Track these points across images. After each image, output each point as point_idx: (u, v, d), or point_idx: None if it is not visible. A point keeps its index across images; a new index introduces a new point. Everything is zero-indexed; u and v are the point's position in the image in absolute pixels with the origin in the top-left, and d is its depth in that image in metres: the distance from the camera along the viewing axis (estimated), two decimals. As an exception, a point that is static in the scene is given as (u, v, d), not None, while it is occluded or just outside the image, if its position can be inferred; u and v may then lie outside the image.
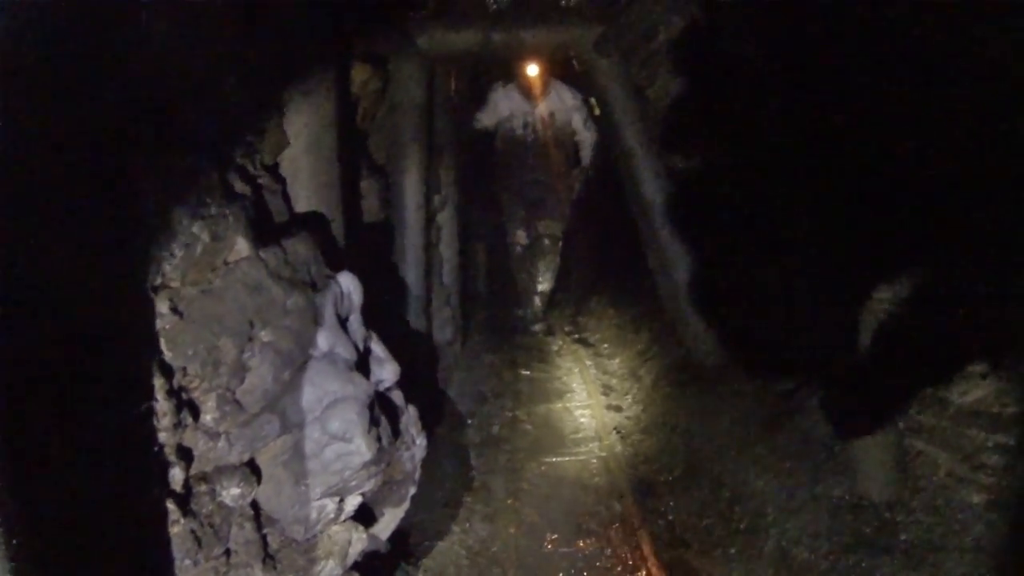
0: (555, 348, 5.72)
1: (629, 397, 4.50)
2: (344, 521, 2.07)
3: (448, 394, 4.15)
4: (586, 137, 5.80)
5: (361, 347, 2.20)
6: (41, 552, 1.10)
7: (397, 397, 2.37)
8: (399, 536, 2.59)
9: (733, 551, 2.71)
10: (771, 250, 3.10)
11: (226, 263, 1.76)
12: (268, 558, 1.83)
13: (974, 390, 2.18)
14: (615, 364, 5.15)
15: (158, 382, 1.53)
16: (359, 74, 3.22)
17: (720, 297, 3.78)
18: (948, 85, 1.99)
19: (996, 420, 2.12)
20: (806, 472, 2.70)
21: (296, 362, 1.89)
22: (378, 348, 2.32)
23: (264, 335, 1.80)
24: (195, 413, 1.66)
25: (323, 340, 1.99)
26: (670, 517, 3.11)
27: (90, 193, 1.36)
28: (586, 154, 5.84)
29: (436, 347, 4.30)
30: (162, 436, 1.55)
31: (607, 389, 4.75)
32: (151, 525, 1.51)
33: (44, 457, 1.19)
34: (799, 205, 2.85)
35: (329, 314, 2.03)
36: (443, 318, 4.55)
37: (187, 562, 1.58)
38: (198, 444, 1.66)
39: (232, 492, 1.72)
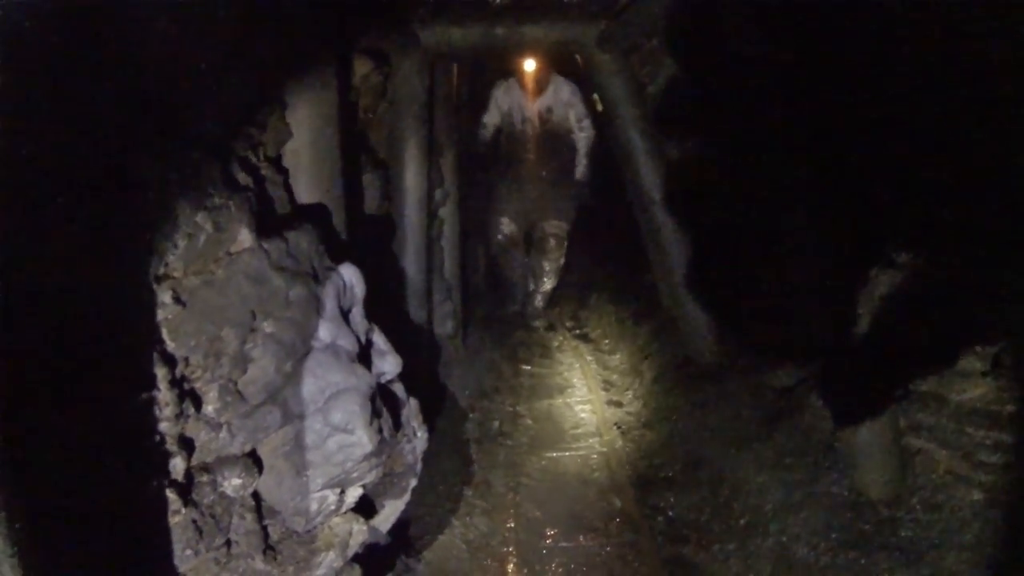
0: (556, 343, 5.72)
1: (630, 393, 4.50)
2: (345, 513, 2.08)
3: (449, 388, 4.15)
4: (582, 133, 5.75)
5: (363, 339, 2.20)
6: (43, 539, 1.11)
7: (399, 389, 2.37)
8: (399, 528, 2.60)
9: (732, 547, 2.72)
10: (771, 246, 3.10)
11: (229, 254, 1.77)
12: (269, 549, 1.84)
13: (973, 388, 2.18)
14: (616, 360, 5.15)
15: (160, 372, 1.54)
16: (361, 68, 3.22)
17: (720, 293, 3.78)
18: (950, 80, 1.98)
19: (995, 418, 2.12)
20: (805, 469, 2.70)
21: (298, 353, 1.89)
22: (380, 340, 2.32)
23: (266, 326, 1.81)
24: (197, 403, 1.66)
25: (325, 331, 1.99)
26: (670, 513, 3.12)
27: (94, 184, 1.36)
28: (583, 149, 5.78)
29: (437, 341, 4.29)
30: (164, 426, 1.55)
31: (608, 385, 4.75)
32: (152, 514, 1.52)
33: (45, 445, 1.20)
34: (800, 202, 2.85)
35: (331, 306, 2.03)
36: (444, 312, 4.54)
37: (188, 552, 1.59)
38: (200, 434, 1.67)
39: (233, 483, 1.73)
